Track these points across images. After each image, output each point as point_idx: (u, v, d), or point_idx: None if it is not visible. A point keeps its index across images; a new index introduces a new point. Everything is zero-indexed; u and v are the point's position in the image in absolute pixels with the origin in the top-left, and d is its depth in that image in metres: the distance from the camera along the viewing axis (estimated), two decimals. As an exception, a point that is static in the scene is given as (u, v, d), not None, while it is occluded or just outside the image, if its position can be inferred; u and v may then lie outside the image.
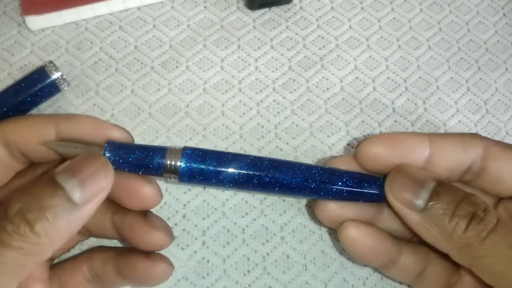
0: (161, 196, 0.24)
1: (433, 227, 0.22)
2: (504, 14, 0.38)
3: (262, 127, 0.32)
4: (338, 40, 0.35)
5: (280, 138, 0.31)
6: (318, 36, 0.35)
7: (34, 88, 0.29)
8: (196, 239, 0.28)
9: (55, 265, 0.25)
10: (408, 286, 0.28)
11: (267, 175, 0.24)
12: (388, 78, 0.34)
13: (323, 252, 0.28)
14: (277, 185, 0.24)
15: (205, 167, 0.23)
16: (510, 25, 0.37)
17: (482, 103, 0.34)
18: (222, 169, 0.23)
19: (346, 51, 0.35)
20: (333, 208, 0.25)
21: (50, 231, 0.19)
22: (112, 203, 0.25)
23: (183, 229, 0.28)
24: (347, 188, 0.24)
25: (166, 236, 0.24)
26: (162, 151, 0.23)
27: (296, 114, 0.32)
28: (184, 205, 0.29)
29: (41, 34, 0.33)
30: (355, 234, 0.24)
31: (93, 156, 0.21)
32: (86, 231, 0.25)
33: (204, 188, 0.29)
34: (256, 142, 0.31)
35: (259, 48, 0.34)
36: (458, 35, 0.37)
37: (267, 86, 0.33)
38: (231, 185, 0.24)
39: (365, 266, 0.28)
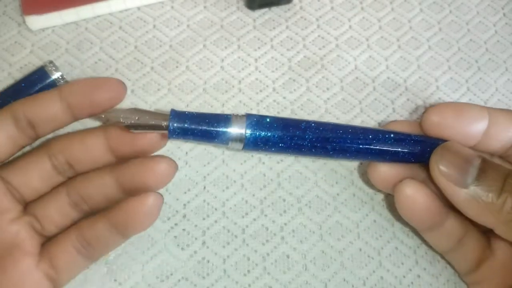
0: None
1: (482, 203, 0.23)
2: (504, 14, 0.38)
3: (262, 127, 0.32)
4: (338, 40, 0.35)
5: (280, 138, 0.31)
6: (318, 36, 0.35)
7: (34, 88, 0.29)
8: (196, 239, 0.28)
9: (46, 241, 0.25)
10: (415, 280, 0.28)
11: (332, 142, 0.24)
12: (388, 78, 0.34)
13: (323, 252, 0.28)
14: (342, 151, 0.25)
15: (270, 134, 0.24)
16: (510, 25, 0.37)
17: (482, 103, 0.34)
18: (286, 136, 0.24)
19: (346, 51, 0.35)
20: (385, 171, 0.26)
21: None
22: (110, 165, 0.26)
23: (183, 229, 0.28)
24: (411, 151, 0.25)
25: (171, 164, 0.25)
26: (226, 120, 0.23)
27: (296, 114, 0.32)
28: (184, 205, 0.29)
29: (41, 34, 0.33)
30: (412, 192, 0.25)
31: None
32: (88, 205, 0.26)
33: (204, 187, 0.29)
34: (256, 142, 0.31)
35: (259, 48, 0.34)
36: (458, 35, 0.37)
37: (267, 86, 0.33)
38: (294, 151, 0.25)
39: (414, 228, 0.28)
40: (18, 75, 0.32)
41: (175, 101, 0.32)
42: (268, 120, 0.24)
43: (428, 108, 0.26)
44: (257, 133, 0.23)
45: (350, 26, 0.36)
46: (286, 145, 0.24)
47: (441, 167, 0.24)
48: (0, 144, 0.24)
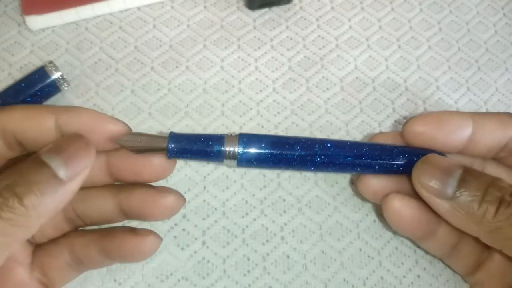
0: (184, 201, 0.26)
1: (463, 213, 0.23)
2: (504, 14, 0.38)
3: (262, 127, 0.32)
4: (338, 40, 0.35)
5: (280, 138, 0.31)
6: (318, 36, 0.35)
7: (34, 88, 0.29)
8: (196, 239, 0.28)
9: (37, 249, 0.25)
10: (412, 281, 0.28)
11: (320, 156, 0.25)
12: (388, 78, 0.34)
13: (323, 252, 0.28)
14: (330, 164, 0.26)
15: (261, 151, 0.25)
16: (510, 25, 0.37)
17: (482, 103, 0.34)
18: (277, 152, 0.25)
19: (346, 51, 0.35)
20: (375, 183, 0.26)
21: (37, 205, 0.20)
22: (112, 186, 0.25)
23: (183, 229, 0.28)
24: (397, 162, 0.26)
25: (179, 198, 0.25)
26: (220, 139, 0.25)
27: (296, 114, 0.32)
28: (184, 205, 0.29)
29: (41, 34, 0.33)
30: (399, 206, 0.25)
31: (76, 136, 0.22)
32: (83, 222, 0.26)
33: (204, 187, 0.29)
34: (256, 142, 0.31)
35: (259, 48, 0.34)
36: (458, 35, 0.37)
37: (267, 86, 0.33)
38: (285, 166, 0.26)
39: (406, 238, 0.28)
40: (18, 75, 0.32)
41: (175, 101, 0.32)
42: (259, 138, 0.25)
43: (409, 119, 0.26)
44: (249, 151, 0.25)
45: (350, 26, 0.36)
46: (277, 160, 0.25)
47: (422, 180, 0.24)
48: None
